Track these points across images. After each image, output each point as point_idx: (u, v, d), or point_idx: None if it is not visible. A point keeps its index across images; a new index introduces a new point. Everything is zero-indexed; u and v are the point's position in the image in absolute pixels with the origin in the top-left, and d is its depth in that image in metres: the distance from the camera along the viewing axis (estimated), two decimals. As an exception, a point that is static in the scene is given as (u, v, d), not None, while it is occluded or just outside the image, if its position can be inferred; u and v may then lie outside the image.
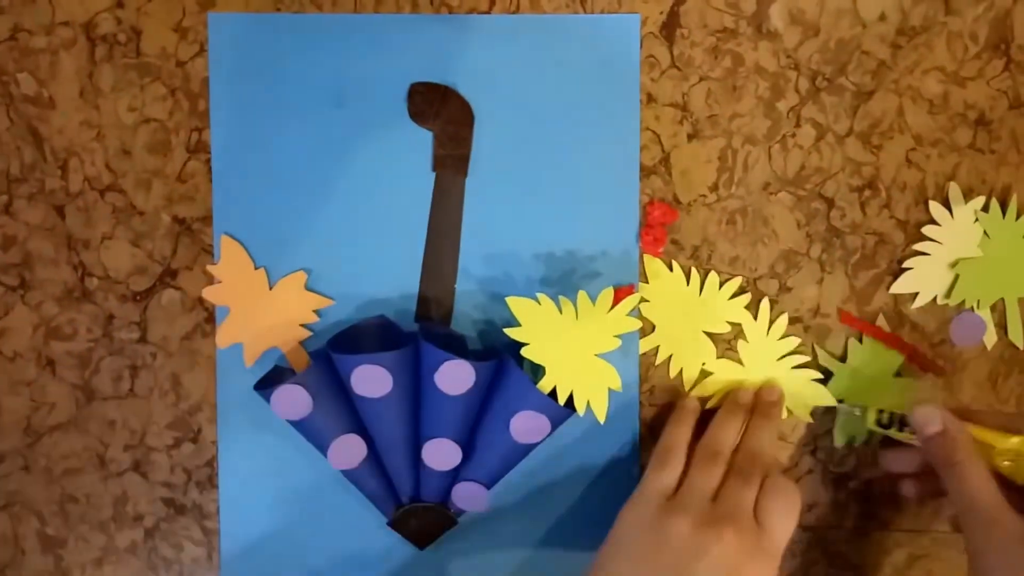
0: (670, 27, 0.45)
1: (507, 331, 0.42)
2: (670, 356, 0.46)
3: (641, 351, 0.46)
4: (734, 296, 0.46)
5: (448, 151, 0.45)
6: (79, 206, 0.45)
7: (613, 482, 0.46)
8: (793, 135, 0.45)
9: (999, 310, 0.46)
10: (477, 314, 0.46)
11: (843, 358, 0.46)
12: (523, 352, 0.42)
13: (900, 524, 0.47)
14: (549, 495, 0.46)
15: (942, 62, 0.45)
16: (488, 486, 0.44)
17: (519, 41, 0.45)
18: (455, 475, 0.45)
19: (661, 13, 0.45)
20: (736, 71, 0.45)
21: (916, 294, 0.46)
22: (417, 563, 0.47)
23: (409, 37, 0.44)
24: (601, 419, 0.43)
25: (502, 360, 0.43)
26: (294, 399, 0.42)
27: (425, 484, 0.45)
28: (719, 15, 0.45)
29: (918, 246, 0.46)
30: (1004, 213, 0.45)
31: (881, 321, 0.46)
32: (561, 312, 0.42)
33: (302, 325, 0.45)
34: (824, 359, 0.46)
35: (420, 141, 0.45)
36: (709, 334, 0.46)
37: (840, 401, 0.45)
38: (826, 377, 0.46)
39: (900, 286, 0.46)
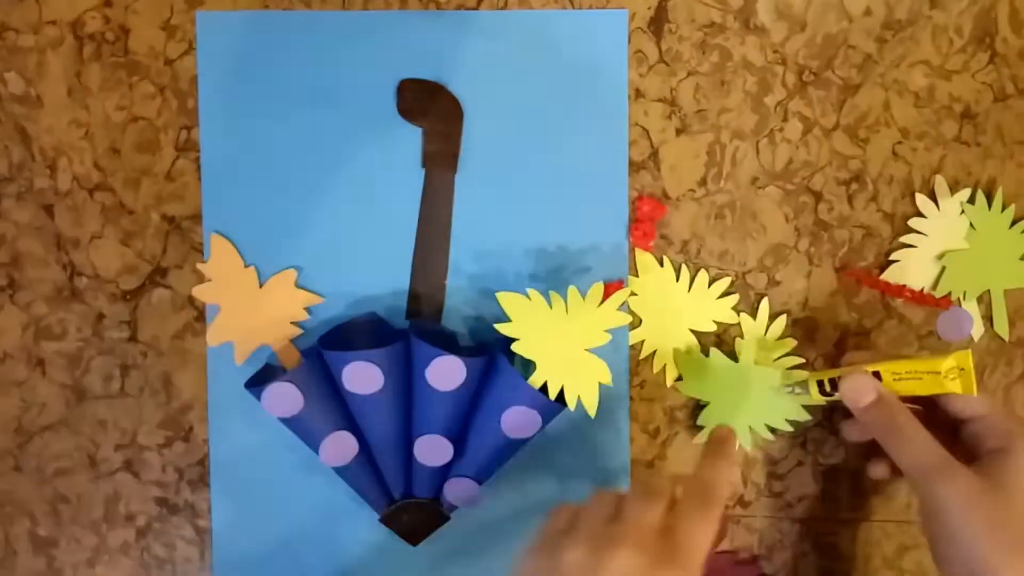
0: (658, 22, 0.45)
1: (498, 327, 0.42)
2: (655, 351, 0.46)
3: (629, 343, 0.46)
4: (723, 296, 0.46)
5: (438, 148, 0.45)
6: (68, 205, 0.45)
7: (604, 476, 0.46)
8: (781, 129, 0.46)
9: (985, 302, 0.46)
10: (468, 310, 0.46)
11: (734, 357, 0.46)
12: (514, 347, 0.42)
13: (890, 515, 0.47)
14: (541, 490, 0.46)
15: (927, 56, 0.45)
16: (480, 482, 0.45)
17: (508, 37, 0.45)
18: (447, 471, 0.45)
19: (649, 8, 0.45)
20: (724, 66, 0.45)
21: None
22: (410, 559, 0.47)
23: (398, 34, 0.45)
24: (592, 413, 0.43)
25: (493, 356, 0.43)
26: (285, 397, 0.42)
27: (417, 480, 0.45)
28: (706, 10, 0.45)
29: (905, 238, 0.46)
30: (990, 205, 0.46)
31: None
32: (551, 307, 0.42)
33: (292, 323, 0.45)
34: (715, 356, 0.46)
35: (410, 138, 0.45)
36: (695, 332, 0.46)
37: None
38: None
39: (887, 278, 0.46)
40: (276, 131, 0.45)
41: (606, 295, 0.43)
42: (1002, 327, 0.46)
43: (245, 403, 0.45)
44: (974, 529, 0.37)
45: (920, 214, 0.46)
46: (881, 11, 0.45)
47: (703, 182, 0.46)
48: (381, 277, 0.45)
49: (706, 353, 0.46)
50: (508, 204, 0.45)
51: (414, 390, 0.43)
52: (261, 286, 0.45)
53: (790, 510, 0.47)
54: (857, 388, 0.40)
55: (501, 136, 0.45)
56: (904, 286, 0.46)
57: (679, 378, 0.46)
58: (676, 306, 0.46)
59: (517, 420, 0.43)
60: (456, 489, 0.45)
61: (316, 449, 0.43)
